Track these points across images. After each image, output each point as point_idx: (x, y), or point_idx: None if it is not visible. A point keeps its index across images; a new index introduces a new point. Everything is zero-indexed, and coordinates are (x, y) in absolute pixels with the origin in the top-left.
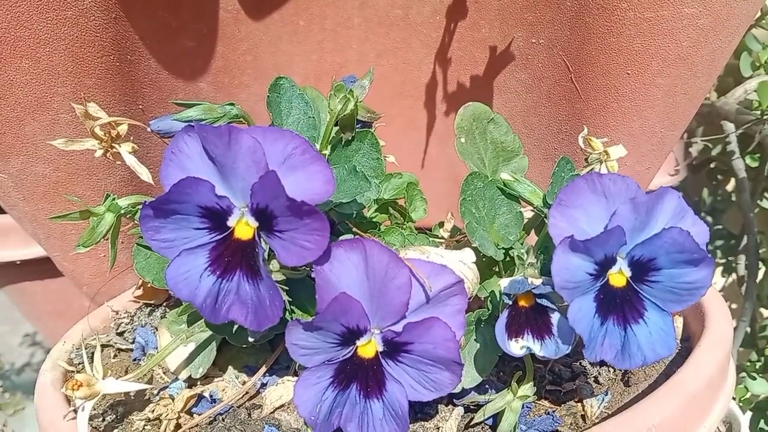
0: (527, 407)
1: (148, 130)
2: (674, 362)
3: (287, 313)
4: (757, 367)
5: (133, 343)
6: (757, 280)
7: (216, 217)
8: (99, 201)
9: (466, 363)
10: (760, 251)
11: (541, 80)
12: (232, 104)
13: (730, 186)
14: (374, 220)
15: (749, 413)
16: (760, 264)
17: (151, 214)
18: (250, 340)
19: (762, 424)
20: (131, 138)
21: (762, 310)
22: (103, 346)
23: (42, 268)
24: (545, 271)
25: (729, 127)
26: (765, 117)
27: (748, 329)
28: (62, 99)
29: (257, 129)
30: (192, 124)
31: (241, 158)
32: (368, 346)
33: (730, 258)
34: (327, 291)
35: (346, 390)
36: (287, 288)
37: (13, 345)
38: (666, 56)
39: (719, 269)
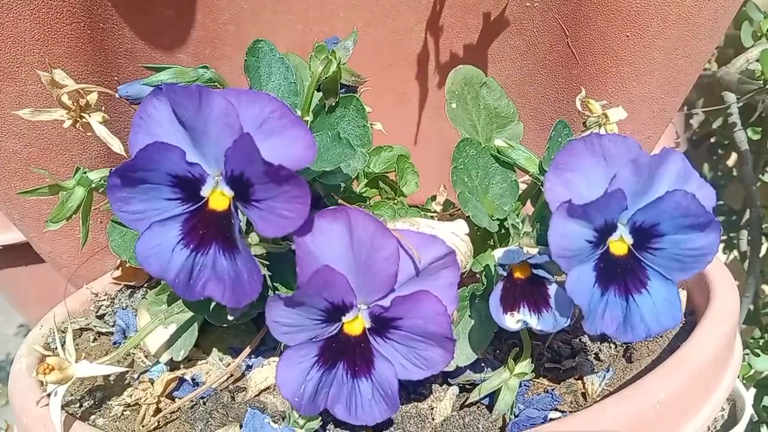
0: (525, 385)
1: (117, 96)
2: (678, 336)
3: (270, 290)
4: (761, 343)
5: (113, 326)
6: (760, 255)
7: (188, 186)
8: None
9: (460, 340)
10: (763, 225)
11: (537, 46)
12: (205, 67)
13: (731, 161)
14: (364, 194)
15: (752, 390)
16: (763, 239)
17: (118, 183)
18: (230, 318)
19: (766, 401)
20: (103, 108)
21: (765, 286)
22: (82, 330)
23: (26, 254)
24: (542, 241)
25: (730, 98)
26: (767, 86)
27: (752, 306)
28: (30, 69)
29: (231, 91)
30: (161, 86)
31: (213, 121)
32: (355, 323)
33: (731, 234)
34: (309, 264)
35: (333, 369)
36: (269, 263)
37: (8, 335)
38: (666, 16)
39: (721, 246)
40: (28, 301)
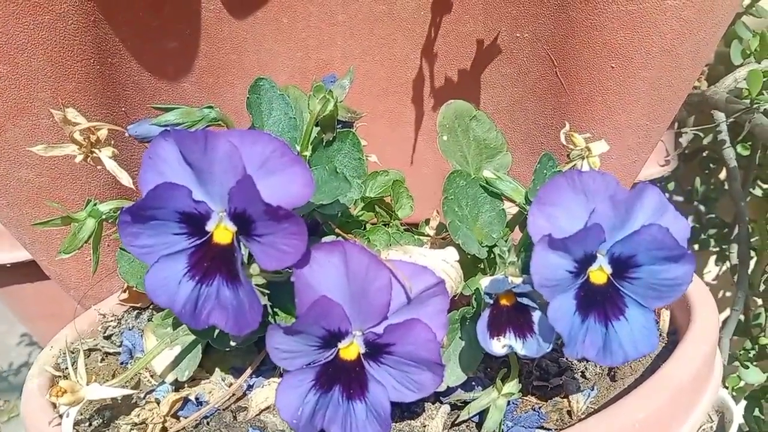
0: (513, 404)
1: (127, 135)
2: (660, 356)
3: (270, 316)
4: (751, 355)
5: (120, 346)
6: (749, 269)
7: (194, 222)
8: (83, 205)
9: (451, 361)
10: (752, 240)
11: (527, 74)
12: (210, 107)
13: (723, 174)
14: (361, 218)
15: (742, 402)
16: (752, 253)
17: (129, 220)
18: (233, 344)
19: (757, 412)
20: (112, 142)
21: (755, 298)
22: (90, 350)
23: (32, 271)
24: (527, 270)
25: (719, 116)
26: (755, 105)
27: (742, 317)
28: (42, 104)
29: (234, 132)
30: (169, 129)
31: (218, 163)
32: (350, 349)
33: (723, 246)
34: (307, 294)
35: (329, 392)
36: (269, 291)
37: (10, 345)
38: (650, 49)
39: (712, 258)
40: (33, 316)
